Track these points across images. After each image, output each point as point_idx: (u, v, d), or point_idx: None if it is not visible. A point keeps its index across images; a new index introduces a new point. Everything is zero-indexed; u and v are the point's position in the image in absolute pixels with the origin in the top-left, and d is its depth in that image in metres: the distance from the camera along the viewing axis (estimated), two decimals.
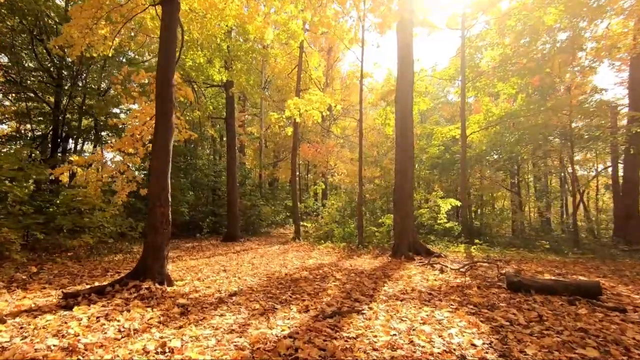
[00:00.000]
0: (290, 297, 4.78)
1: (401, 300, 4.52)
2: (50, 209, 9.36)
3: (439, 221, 12.37)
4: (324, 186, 19.67)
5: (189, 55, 11.62)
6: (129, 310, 3.82)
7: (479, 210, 17.36)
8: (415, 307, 4.22)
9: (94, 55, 8.78)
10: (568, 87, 13.91)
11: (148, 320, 3.60)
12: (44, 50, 14.42)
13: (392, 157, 18.24)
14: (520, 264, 7.71)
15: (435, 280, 5.81)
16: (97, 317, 3.60)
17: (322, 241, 12.10)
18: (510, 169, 18.41)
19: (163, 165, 5.23)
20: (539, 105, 12.75)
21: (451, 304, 4.31)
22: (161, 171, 5.20)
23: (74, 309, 3.81)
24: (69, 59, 14.73)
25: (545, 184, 22.45)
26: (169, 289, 4.97)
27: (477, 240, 10.24)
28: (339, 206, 16.34)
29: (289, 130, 11.46)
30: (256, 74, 12.94)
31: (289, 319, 3.79)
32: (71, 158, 7.42)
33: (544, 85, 14.76)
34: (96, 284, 5.38)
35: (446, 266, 6.71)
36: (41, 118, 16.08)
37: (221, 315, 3.90)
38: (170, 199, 5.30)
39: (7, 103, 16.26)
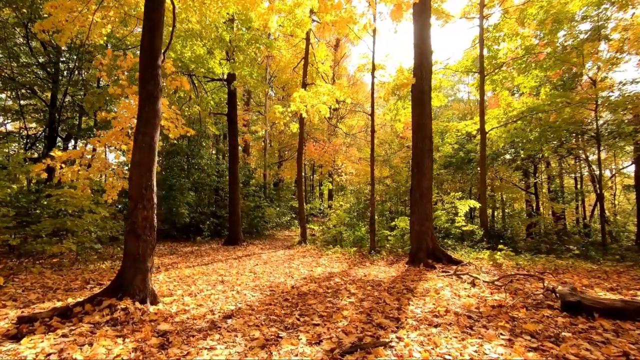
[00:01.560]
0: (298, 319, 3.91)
1: (436, 327, 3.63)
2: (38, 211, 8.63)
3: (456, 224, 11.42)
4: (332, 186, 18.80)
5: (188, 45, 10.84)
6: (91, 344, 2.98)
7: (494, 212, 16.37)
8: (456, 337, 3.33)
9: (86, 43, 7.97)
10: (593, 79, 12.92)
11: (114, 359, 2.77)
12: (40, 45, 13.80)
13: (403, 155, 17.35)
14: (557, 274, 6.77)
15: (468, 296, 4.91)
16: (48, 354, 2.76)
17: (331, 246, 11.22)
18: (527, 169, 17.41)
19: (147, 158, 4.40)
20: (564, 98, 11.76)
21: (501, 333, 3.41)
22: (144, 166, 4.37)
23: (22, 341, 2.98)
24: (67, 55, 14.11)
25: (561, 185, 21.36)
26: (152, 308, 4.14)
27: (501, 246, 9.29)
28: (347, 208, 15.47)
29: (294, 127, 10.63)
30: (260, 67, 12.11)
31: (296, 355, 2.93)
32: (52, 153, 6.63)
33: (564, 78, 13.78)
34: (69, 300, 4.57)
35: (477, 278, 5.80)
36: (37, 115, 15.46)
37: (210, 348, 3.05)
38: (155, 200, 4.47)
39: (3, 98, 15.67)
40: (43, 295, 4.79)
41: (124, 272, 4.22)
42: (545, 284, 5.14)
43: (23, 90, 14.09)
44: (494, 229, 11.95)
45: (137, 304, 4.01)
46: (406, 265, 8.14)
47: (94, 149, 9.93)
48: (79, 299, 4.52)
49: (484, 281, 5.67)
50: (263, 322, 3.80)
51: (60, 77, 13.82)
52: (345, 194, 20.41)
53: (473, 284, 5.64)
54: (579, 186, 19.69)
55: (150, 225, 4.37)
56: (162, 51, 6.08)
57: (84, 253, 7.34)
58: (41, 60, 13.90)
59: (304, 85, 12.23)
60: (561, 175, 20.55)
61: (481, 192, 11.99)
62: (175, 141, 14.77)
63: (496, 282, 5.63)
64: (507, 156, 17.07)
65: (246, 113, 22.10)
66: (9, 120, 16.64)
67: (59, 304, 4.36)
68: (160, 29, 4.62)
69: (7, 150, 9.62)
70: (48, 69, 13.92)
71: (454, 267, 7.64)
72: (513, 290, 5.21)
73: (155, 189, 4.50)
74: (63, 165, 7.28)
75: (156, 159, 4.56)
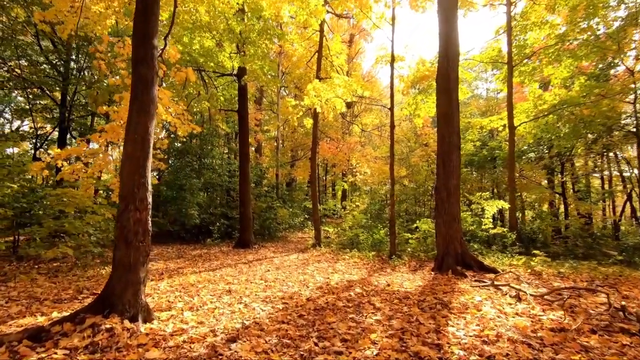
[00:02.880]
0: (316, 344, 3.23)
1: (489, 358, 2.89)
2: (40, 212, 8.21)
3: (483, 226, 10.53)
4: (347, 185, 18.08)
5: (196, 38, 10.31)
6: None
7: (523, 214, 15.32)
8: None
9: (89, 34, 7.50)
10: (631, 70, 11.83)
11: None
12: (51, 44, 13.56)
13: (421, 154, 16.47)
14: (610, 285, 5.89)
15: (517, 314, 4.13)
16: None
17: (347, 250, 10.49)
18: (554, 167, 16.28)
19: (140, 152, 3.80)
20: (602, 89, 10.74)
21: None
22: (137, 160, 3.77)
23: None
24: (76, 52, 13.84)
25: (587, 184, 20.04)
26: (143, 327, 3.52)
27: (536, 251, 8.39)
28: (363, 209, 14.72)
29: (308, 122, 9.97)
30: (272, 61, 11.51)
31: None
32: (50, 151, 6.16)
33: (597, 68, 12.71)
34: (54, 315, 4.00)
35: (522, 291, 4.99)
36: (47, 115, 15.28)
37: None
38: (150, 200, 3.86)
39: (20, 99, 15.55)
40: (27, 307, 4.24)
41: (112, 284, 3.62)
42: (608, 300, 4.30)
43: (35, 90, 13.91)
44: (524, 231, 10.99)
45: (126, 323, 3.39)
46: (432, 273, 7.37)
47: (88, 143, 9.45)
48: (65, 314, 3.96)
49: (530, 294, 4.85)
50: (274, 348, 3.13)
51: (70, 76, 13.54)
52: (360, 194, 19.64)
53: (518, 298, 4.84)
54: (606, 186, 18.47)
55: (144, 230, 3.76)
56: (164, 36, 5.52)
57: (83, 258, 6.84)
58: (51, 58, 13.66)
59: (318, 79, 11.57)
60: (587, 175, 19.27)
61: (510, 192, 11.07)
62: (184, 139, 14.32)
63: (546, 297, 4.81)
64: (532, 154, 16.05)
65: (258, 112, 21.59)
66: (19, 120, 16.56)
67: (41, 319, 3.80)
68: (155, 1, 4.01)
69: (11, 150, 9.34)
70: (58, 67, 13.69)
71: (487, 275, 6.84)
72: (568, 307, 4.39)
73: (150, 187, 3.90)
74: (65, 164, 6.82)
75: (151, 152, 3.95)
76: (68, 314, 3.73)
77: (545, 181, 17.02)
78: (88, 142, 6.86)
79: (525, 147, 15.14)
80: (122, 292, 3.57)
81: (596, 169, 17.08)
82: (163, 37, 5.45)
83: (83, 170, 6.76)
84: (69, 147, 9.07)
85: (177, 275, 6.69)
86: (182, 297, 4.90)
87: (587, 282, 6.21)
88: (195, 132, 8.34)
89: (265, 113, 24.19)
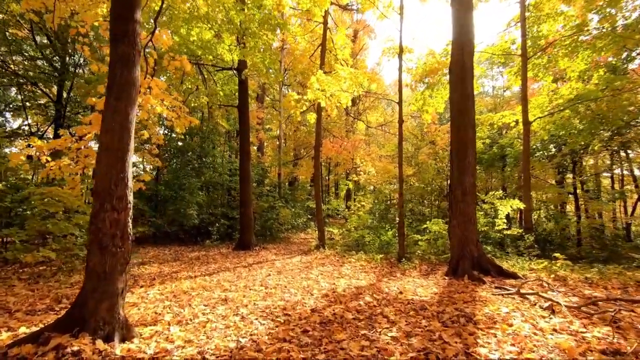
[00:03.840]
0: None
1: None
2: (28, 212, 7.72)
3: (496, 227, 9.95)
4: (352, 185, 17.53)
5: (193, 29, 9.80)
6: None
7: (534, 214, 14.73)
8: None
9: (80, 25, 6.99)
10: None
11: None
12: (47, 39, 13.12)
13: (428, 152, 15.89)
14: None
15: (555, 330, 3.57)
16: None
17: (353, 252, 9.94)
18: (566, 166, 15.64)
19: (119, 142, 3.27)
20: (623, 82, 10.14)
21: None
22: (116, 152, 3.24)
23: None
24: (72, 49, 13.37)
25: (597, 184, 19.36)
26: (119, 348, 2.98)
27: (557, 254, 7.79)
28: (369, 208, 14.15)
29: (312, 117, 9.42)
30: (273, 52, 10.97)
31: None
32: (30, 142, 5.65)
33: (615, 61, 12.09)
34: (21, 330, 3.48)
35: (556, 302, 4.41)
36: (41, 111, 14.85)
37: None
38: (131, 198, 3.34)
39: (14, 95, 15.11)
40: None
41: (84, 296, 3.09)
42: None
43: (29, 87, 13.47)
44: (540, 233, 10.41)
45: (99, 344, 2.87)
46: (446, 278, 6.82)
47: (81, 138, 8.97)
48: (34, 329, 3.44)
49: (565, 306, 4.28)
50: None
51: (66, 71, 13.07)
52: (365, 193, 19.07)
53: (552, 310, 4.27)
54: (616, 186, 17.84)
55: (122, 233, 3.23)
56: (154, 18, 5.01)
57: (69, 261, 6.33)
58: (47, 53, 13.21)
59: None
60: (597, 175, 18.58)
61: (525, 192, 10.47)
62: (182, 136, 13.83)
63: (582, 309, 4.24)
64: (543, 152, 15.43)
65: (260, 111, 21.08)
66: (20, 118, 16.13)
67: (5, 336, 3.27)
68: None
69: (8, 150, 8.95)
70: (54, 63, 13.23)
71: (507, 281, 6.28)
72: (611, 320, 3.82)
73: (130, 184, 3.37)
74: (49, 159, 6.31)
75: (132, 143, 3.43)
76: (38, 328, 3.22)
77: (554, 180, 16.43)
78: (72, 135, 6.34)
79: (537, 145, 14.54)
80: (96, 307, 3.04)
81: (613, 166, 16.43)
82: (152, 19, 4.94)
83: (71, 167, 6.25)
84: (52, 140, 8.56)
85: (170, 281, 6.17)
86: (171, 308, 4.36)
87: (619, 289, 5.63)
88: (194, 126, 7.84)
89: (267, 112, 23.68)
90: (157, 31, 5.68)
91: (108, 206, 3.17)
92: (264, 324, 3.85)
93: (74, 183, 6.98)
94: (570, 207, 18.31)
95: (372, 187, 27.27)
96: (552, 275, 6.67)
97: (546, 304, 4.44)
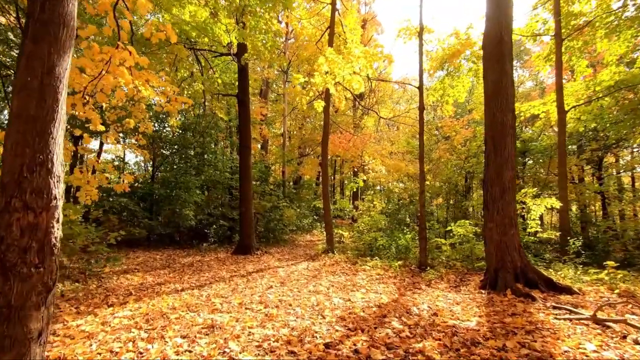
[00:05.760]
0: None
1: None
2: None
3: (529, 229, 8.73)
4: (361, 182, 16.37)
5: (187, 7, 8.74)
6: None
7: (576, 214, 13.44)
8: None
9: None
10: None
11: None
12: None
13: (445, 147, 14.67)
14: None
15: None
16: None
17: (368, 258, 8.77)
18: (598, 161, 14.34)
19: (37, 107, 2.16)
20: None
21: None
22: (33, 122, 2.14)
23: None
24: None
25: (619, 182, 17.99)
26: None
27: (610, 262, 6.57)
28: (380, 209, 12.97)
29: (319, 105, 8.29)
30: (277, 34, 9.87)
31: None
32: None
33: None
34: None
35: None
36: None
37: None
38: (58, 193, 2.23)
39: None
40: None
41: None
42: None
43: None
44: (584, 236, 9.18)
45: None
46: (482, 292, 5.65)
47: None
48: None
49: None
50: None
51: None
52: (374, 193, 17.92)
53: None
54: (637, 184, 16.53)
55: (42, 245, 2.12)
56: None
57: None
58: None
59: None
60: (618, 171, 17.23)
61: (561, 189, 9.25)
62: (179, 131, 12.77)
63: None
64: (569, 146, 14.12)
65: (263, 108, 19.98)
66: None
67: None
68: None
69: None
70: None
71: (562, 297, 5.10)
72: None
73: (61, 174, 2.26)
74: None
75: (63, 109, 2.31)
76: None
77: (577, 178, 15.18)
78: None
79: (580, 133, 13.18)
80: None
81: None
82: None
83: None
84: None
85: (149, 297, 5.06)
86: (135, 343, 3.23)
87: None
88: (192, 119, 6.74)
89: (271, 109, 22.58)
90: None
91: (17, 204, 2.06)
92: None
93: None
94: (594, 207, 17.04)
95: (379, 187, 26.07)
96: (617, 289, 5.46)
97: (635, 335, 3.26)
